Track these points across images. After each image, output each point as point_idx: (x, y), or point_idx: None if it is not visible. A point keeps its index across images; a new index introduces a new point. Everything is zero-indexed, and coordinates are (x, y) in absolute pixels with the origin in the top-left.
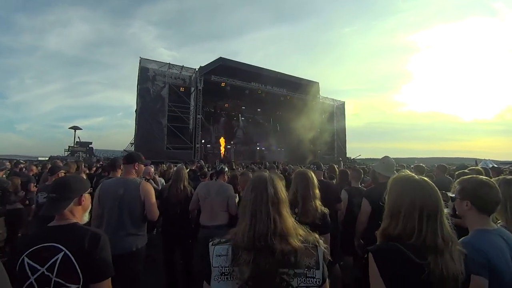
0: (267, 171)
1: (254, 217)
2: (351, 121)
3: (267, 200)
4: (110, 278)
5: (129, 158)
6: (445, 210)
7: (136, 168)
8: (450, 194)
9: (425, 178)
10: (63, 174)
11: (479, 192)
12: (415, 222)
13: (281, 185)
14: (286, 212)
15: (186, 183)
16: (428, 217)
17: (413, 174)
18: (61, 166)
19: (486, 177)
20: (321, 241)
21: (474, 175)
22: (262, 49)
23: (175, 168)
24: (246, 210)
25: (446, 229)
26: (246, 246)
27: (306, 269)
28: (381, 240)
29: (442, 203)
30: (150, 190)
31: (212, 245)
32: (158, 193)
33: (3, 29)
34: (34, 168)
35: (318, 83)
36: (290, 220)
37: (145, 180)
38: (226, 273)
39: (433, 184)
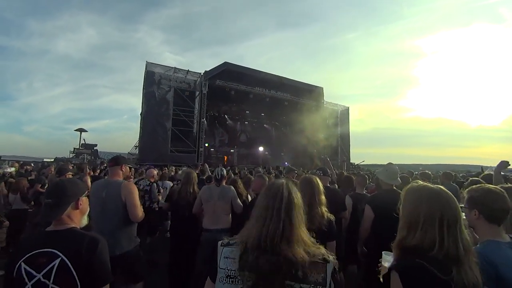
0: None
1: (264, 221)
2: (356, 126)
3: (280, 207)
4: (108, 284)
5: (115, 160)
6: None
7: (123, 170)
8: (460, 205)
9: (441, 187)
10: (70, 176)
11: (487, 201)
12: (435, 232)
13: (297, 192)
14: (300, 220)
15: (195, 186)
16: (449, 226)
17: (427, 183)
18: (69, 168)
19: (495, 186)
20: (331, 257)
21: (483, 184)
22: (267, 53)
23: (182, 171)
24: (256, 215)
25: (465, 238)
26: (252, 247)
27: (313, 285)
28: (399, 253)
29: (460, 211)
30: (132, 190)
31: (221, 245)
32: (168, 196)
33: (15, 33)
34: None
35: (322, 88)
36: (301, 229)
37: (149, 183)
38: (232, 276)
39: (449, 192)
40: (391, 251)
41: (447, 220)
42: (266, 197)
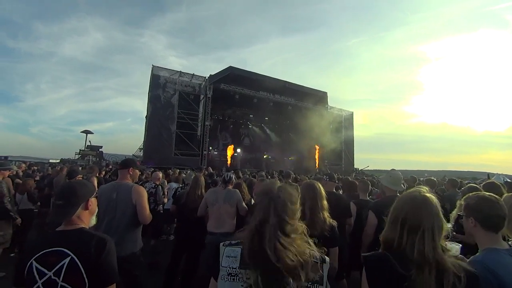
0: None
1: (261, 226)
2: (360, 132)
3: (275, 211)
4: (115, 283)
5: (124, 163)
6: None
7: (131, 173)
8: (458, 212)
9: (428, 195)
10: (80, 179)
11: (482, 208)
12: (396, 231)
13: (294, 195)
14: (295, 224)
15: (203, 190)
16: (410, 230)
17: (420, 190)
18: (79, 171)
19: (490, 193)
20: (327, 258)
21: (479, 192)
22: (271, 58)
23: (187, 174)
24: (253, 218)
25: (433, 246)
26: (250, 254)
27: (310, 283)
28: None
29: (437, 220)
30: (142, 193)
31: (223, 245)
32: (176, 199)
33: (23, 36)
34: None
35: (326, 92)
36: (295, 232)
37: (154, 185)
38: (233, 274)
39: (433, 202)
40: None
41: (409, 224)
42: (260, 200)
